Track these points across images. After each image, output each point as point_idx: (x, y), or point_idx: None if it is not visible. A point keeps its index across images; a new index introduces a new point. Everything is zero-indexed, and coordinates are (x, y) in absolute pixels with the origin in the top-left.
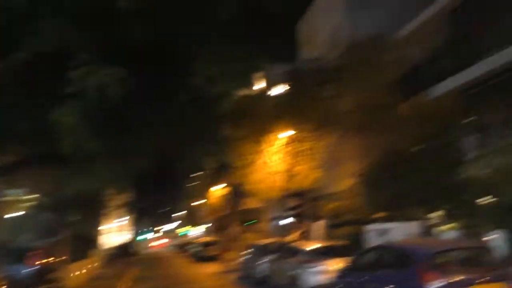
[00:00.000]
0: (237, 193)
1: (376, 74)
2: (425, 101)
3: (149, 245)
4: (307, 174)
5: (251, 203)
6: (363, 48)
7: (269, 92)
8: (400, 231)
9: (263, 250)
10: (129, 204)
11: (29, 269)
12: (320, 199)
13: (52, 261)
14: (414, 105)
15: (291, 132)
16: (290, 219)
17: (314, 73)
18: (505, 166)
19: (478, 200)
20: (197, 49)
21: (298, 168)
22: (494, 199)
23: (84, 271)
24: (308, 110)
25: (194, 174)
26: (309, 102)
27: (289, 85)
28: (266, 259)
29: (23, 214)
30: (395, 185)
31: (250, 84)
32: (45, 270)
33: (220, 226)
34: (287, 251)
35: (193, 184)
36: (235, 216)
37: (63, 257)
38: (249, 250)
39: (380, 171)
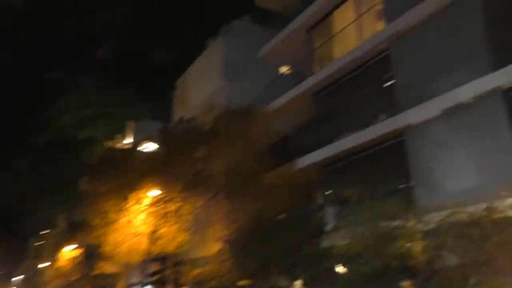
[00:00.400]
0: (91, 255)
1: (247, 142)
2: (291, 172)
3: None
4: (173, 237)
5: (106, 267)
6: (236, 115)
7: (139, 148)
8: None
9: None
10: None
11: None
12: (185, 264)
13: None
14: (280, 174)
15: (158, 192)
16: (149, 286)
17: (187, 133)
18: (362, 236)
19: (338, 269)
20: (65, 87)
21: (163, 230)
22: (353, 267)
23: None
24: (178, 170)
25: (44, 232)
26: (179, 162)
27: (161, 142)
28: None
29: None
30: (261, 251)
31: (120, 135)
32: None
33: None
34: None
35: (40, 242)
36: (87, 281)
37: None
38: None
39: (247, 237)
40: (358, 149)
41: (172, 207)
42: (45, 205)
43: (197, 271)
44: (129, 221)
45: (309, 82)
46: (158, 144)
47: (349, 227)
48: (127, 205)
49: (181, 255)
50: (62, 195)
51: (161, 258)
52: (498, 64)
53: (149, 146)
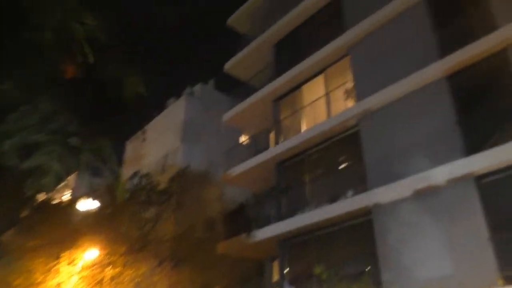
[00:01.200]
0: None
1: (201, 207)
2: (246, 243)
3: None
4: None
5: None
6: (191, 178)
7: (79, 204)
8: None
9: None
10: None
11: None
12: None
13: None
14: (234, 245)
15: (96, 253)
16: None
17: (138, 190)
18: None
19: None
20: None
21: None
22: None
23: None
24: (123, 231)
25: None
26: (125, 222)
27: (104, 199)
28: None
29: None
30: None
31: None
32: None
33: None
34: None
35: None
36: None
37: None
38: None
39: None
40: (323, 225)
41: (110, 272)
42: None
43: None
44: (58, 285)
45: (273, 152)
46: (99, 202)
47: None
48: (58, 266)
49: None
50: None
51: None
52: (470, 148)
53: (90, 204)
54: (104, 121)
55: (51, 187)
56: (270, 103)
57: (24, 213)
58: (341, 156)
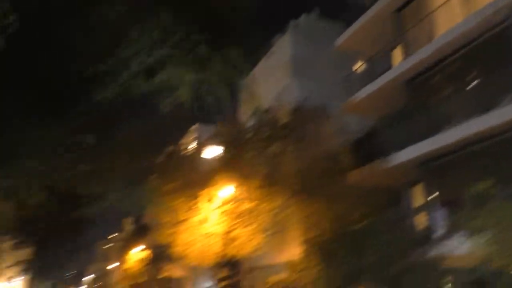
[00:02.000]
0: (158, 257)
1: (324, 139)
2: (379, 170)
3: None
4: (248, 239)
5: (174, 271)
6: (309, 113)
7: (205, 151)
8: None
9: None
10: (27, 262)
11: None
12: (260, 270)
13: None
14: (366, 174)
15: (231, 190)
16: None
17: (261, 127)
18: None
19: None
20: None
21: (237, 232)
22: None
23: None
24: (252, 167)
25: (112, 235)
26: (253, 159)
27: (228, 140)
28: None
29: None
30: (349, 260)
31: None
32: None
33: None
34: None
35: (108, 245)
36: (153, 284)
37: None
38: None
39: (332, 242)
40: (471, 141)
41: (247, 206)
42: (110, 191)
43: (274, 278)
44: (201, 221)
45: (400, 68)
46: (225, 144)
47: (465, 234)
48: (198, 204)
49: (256, 260)
50: (130, 189)
51: (232, 263)
52: None
53: (214, 150)
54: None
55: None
56: (390, 15)
57: (159, 160)
58: (486, 61)
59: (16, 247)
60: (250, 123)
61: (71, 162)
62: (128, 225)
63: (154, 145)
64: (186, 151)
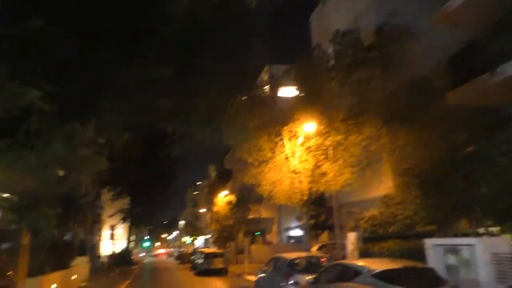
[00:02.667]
0: (243, 201)
1: (414, 61)
2: (485, 86)
3: (148, 254)
4: (337, 174)
5: (259, 212)
6: (397, 30)
7: (280, 90)
8: (482, 249)
9: (289, 267)
10: (125, 211)
11: None
12: (351, 206)
13: None
14: (469, 90)
15: (314, 125)
16: (304, 231)
17: (342, 54)
18: None
19: None
20: None
21: (325, 167)
22: None
23: (55, 285)
24: (336, 98)
25: (199, 182)
26: (334, 90)
27: (310, 74)
28: (299, 279)
29: None
30: (457, 189)
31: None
32: None
33: (224, 236)
34: (342, 272)
35: (195, 192)
36: (240, 226)
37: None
38: (268, 266)
39: (435, 171)
40: None
41: (333, 140)
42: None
43: (367, 213)
44: (286, 159)
45: None
46: (301, 80)
47: None
48: (281, 142)
49: (346, 196)
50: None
51: (320, 200)
52: None
53: (289, 91)
54: None
55: None
56: None
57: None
58: None
59: (115, 198)
60: (329, 51)
61: (152, 99)
62: (213, 171)
63: (232, 83)
64: (263, 90)
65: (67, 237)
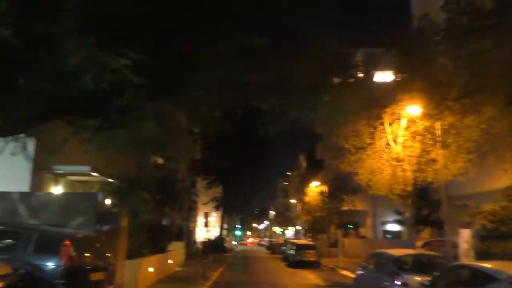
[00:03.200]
0: (337, 191)
1: None
2: None
3: (239, 243)
4: (447, 162)
5: (354, 203)
6: None
7: (375, 75)
8: None
9: (395, 265)
10: (218, 199)
11: (61, 265)
12: (463, 199)
13: (98, 255)
14: None
15: (418, 108)
16: (406, 225)
17: (453, 23)
18: None
19: None
20: None
21: (433, 155)
22: None
23: (152, 269)
24: (447, 75)
25: (289, 173)
26: (449, 63)
27: (416, 49)
28: (408, 280)
29: (74, 194)
30: None
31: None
32: (82, 268)
33: (315, 228)
34: (468, 276)
35: (286, 182)
36: (333, 217)
37: (115, 251)
38: (369, 262)
39: None
40: None
41: (445, 122)
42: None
43: (486, 208)
44: (388, 144)
45: None
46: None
47: None
48: (382, 125)
49: (457, 188)
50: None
51: (425, 192)
52: None
53: (384, 75)
54: None
55: None
56: None
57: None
58: None
59: (208, 186)
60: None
61: (245, 72)
62: (303, 161)
63: (328, 60)
64: (359, 72)
65: (165, 222)
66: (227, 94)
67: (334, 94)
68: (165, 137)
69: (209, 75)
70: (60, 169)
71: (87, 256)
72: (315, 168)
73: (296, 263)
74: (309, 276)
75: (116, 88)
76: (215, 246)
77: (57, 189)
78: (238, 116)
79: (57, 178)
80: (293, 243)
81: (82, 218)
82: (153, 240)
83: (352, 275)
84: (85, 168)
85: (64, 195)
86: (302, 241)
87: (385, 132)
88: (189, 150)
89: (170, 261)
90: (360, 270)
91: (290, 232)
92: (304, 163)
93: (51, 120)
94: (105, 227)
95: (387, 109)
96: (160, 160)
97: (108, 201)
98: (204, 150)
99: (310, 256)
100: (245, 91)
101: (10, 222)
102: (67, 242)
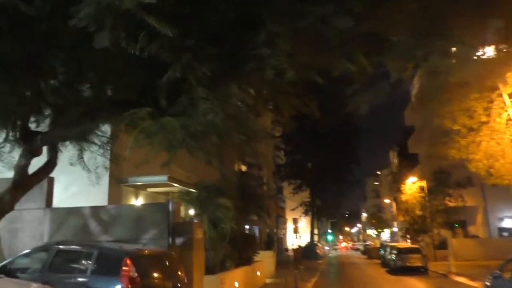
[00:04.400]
0: (440, 186)
1: None
2: None
3: (332, 248)
4: None
5: (463, 199)
6: None
7: None
8: None
9: None
10: (306, 204)
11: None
12: None
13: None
14: None
15: None
16: None
17: None
18: None
19: None
20: None
21: None
22: None
23: (237, 283)
24: None
25: (379, 171)
26: None
27: None
28: None
29: (145, 205)
30: None
31: None
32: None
33: (415, 229)
34: None
35: (376, 182)
36: (435, 216)
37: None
38: (504, 270)
39: None
40: None
41: None
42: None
43: None
44: (510, 121)
45: None
46: None
47: None
48: (501, 98)
49: None
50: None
51: None
52: None
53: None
54: None
55: None
56: None
57: None
58: None
59: (295, 191)
60: None
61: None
62: (394, 157)
63: None
64: None
65: (253, 230)
66: (304, 54)
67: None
68: (230, 123)
69: (278, 19)
70: (137, 180)
71: (154, 277)
72: (408, 164)
73: (399, 269)
74: (418, 285)
75: (154, 62)
76: (307, 253)
77: (137, 203)
78: (320, 91)
79: (136, 190)
80: (393, 247)
81: (155, 231)
82: (237, 251)
83: (471, 283)
84: (163, 178)
85: (135, 206)
86: (404, 244)
87: (505, 106)
88: (263, 136)
89: (258, 273)
90: (491, 279)
91: (385, 234)
92: (395, 160)
93: (95, 121)
94: (179, 240)
95: (507, 76)
96: (243, 167)
97: (184, 211)
98: (288, 154)
99: (415, 261)
100: (330, 46)
101: (72, 240)
102: (127, 261)
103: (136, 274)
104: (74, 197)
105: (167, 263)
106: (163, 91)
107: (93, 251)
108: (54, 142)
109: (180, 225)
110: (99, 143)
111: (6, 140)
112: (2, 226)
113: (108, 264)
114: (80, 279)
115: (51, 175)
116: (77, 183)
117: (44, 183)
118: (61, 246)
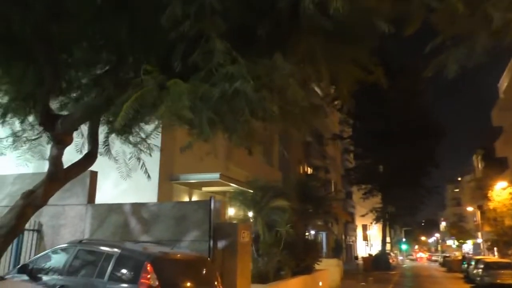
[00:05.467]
0: None
1: None
2: None
3: (406, 258)
4: None
5: None
6: None
7: None
8: None
9: None
10: (377, 210)
11: None
12: None
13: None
14: None
15: None
16: None
17: None
18: None
19: None
20: None
21: None
22: None
23: None
24: None
25: (460, 177)
26: None
27: None
28: None
29: (187, 203)
30: None
31: None
32: None
33: (505, 241)
34: None
35: (456, 189)
36: None
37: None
38: None
39: None
40: None
41: None
42: None
43: None
44: None
45: None
46: None
47: None
48: None
49: None
50: None
51: None
52: None
53: None
54: None
55: None
56: None
57: None
58: None
59: (365, 197)
60: None
61: None
62: (479, 161)
63: None
64: None
65: (320, 236)
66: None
67: None
68: (266, 94)
69: None
70: (189, 178)
71: (182, 286)
72: (496, 168)
73: (487, 287)
74: None
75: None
76: (378, 262)
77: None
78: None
79: (190, 190)
80: (479, 260)
81: (196, 231)
82: (294, 257)
83: None
84: (214, 176)
85: (177, 204)
86: (493, 257)
87: None
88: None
89: (320, 283)
90: None
91: (467, 245)
92: (480, 164)
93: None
94: (221, 243)
95: None
96: (308, 170)
97: (239, 212)
98: (358, 157)
99: (507, 278)
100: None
101: (97, 240)
102: (148, 267)
103: (157, 283)
104: (124, 193)
105: (200, 270)
106: (177, 52)
107: (114, 253)
108: (74, 126)
109: (223, 226)
110: (142, 134)
111: (24, 123)
112: (45, 221)
113: (127, 269)
114: (97, 285)
115: (100, 170)
116: (128, 179)
117: (87, 178)
118: (83, 246)
